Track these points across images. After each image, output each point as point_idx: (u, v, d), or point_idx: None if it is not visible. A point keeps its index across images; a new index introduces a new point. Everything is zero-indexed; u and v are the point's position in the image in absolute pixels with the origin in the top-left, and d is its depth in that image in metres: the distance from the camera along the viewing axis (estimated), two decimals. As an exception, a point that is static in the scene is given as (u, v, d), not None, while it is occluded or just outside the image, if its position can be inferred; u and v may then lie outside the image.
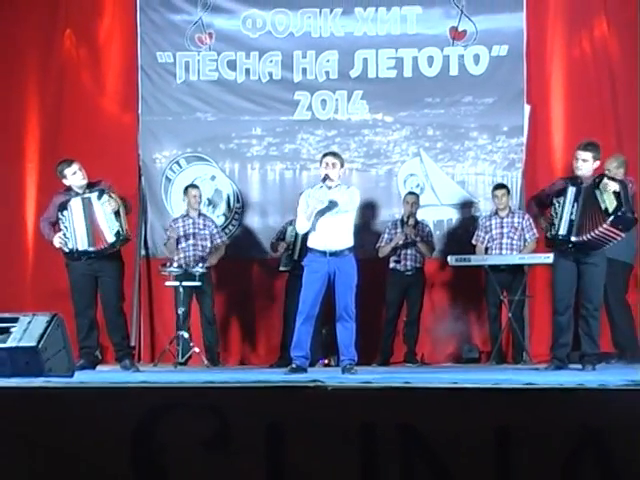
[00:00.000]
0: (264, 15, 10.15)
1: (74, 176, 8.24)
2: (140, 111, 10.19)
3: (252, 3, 10.16)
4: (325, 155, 7.91)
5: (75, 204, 8.17)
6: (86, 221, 8.13)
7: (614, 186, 7.64)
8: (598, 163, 7.89)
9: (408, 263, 9.55)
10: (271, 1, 10.14)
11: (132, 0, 10.18)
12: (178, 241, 9.61)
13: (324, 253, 7.65)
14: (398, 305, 9.61)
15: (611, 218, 7.61)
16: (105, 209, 8.11)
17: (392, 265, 9.58)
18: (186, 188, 9.79)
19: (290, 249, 9.25)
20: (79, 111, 10.14)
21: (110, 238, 8.12)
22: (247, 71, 10.18)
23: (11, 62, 10.10)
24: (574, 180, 7.88)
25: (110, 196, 8.15)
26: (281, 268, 9.45)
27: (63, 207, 8.21)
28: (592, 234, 7.68)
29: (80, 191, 8.24)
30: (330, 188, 7.73)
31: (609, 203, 7.61)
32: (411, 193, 9.73)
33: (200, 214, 9.74)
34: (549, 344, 8.37)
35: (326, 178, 7.68)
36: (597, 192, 7.69)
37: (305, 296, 7.69)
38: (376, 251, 9.62)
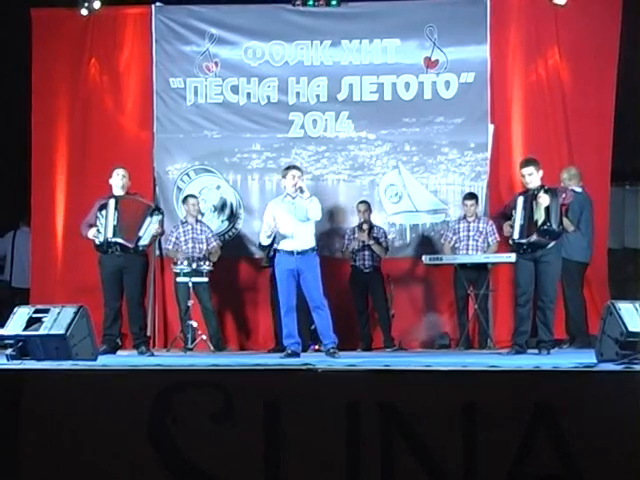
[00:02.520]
0: (263, 46, 10.14)
1: (115, 177, 8.41)
2: (155, 129, 10.15)
3: (252, 36, 10.13)
4: (290, 168, 8.02)
5: (112, 203, 8.26)
6: (119, 217, 8.18)
7: (545, 201, 7.78)
8: (542, 172, 7.97)
9: (366, 262, 9.52)
10: (269, 34, 10.11)
11: (148, 33, 10.15)
12: (178, 244, 9.58)
13: (292, 253, 7.71)
14: (363, 298, 9.59)
15: (539, 231, 7.79)
16: (151, 225, 8.28)
17: (353, 264, 9.58)
18: (185, 198, 9.76)
19: (268, 248, 9.16)
20: (103, 129, 10.11)
21: (132, 244, 8.21)
22: (248, 95, 10.16)
23: (45, 88, 10.05)
24: (525, 192, 7.96)
25: (161, 223, 8.41)
26: (263, 264, 9.41)
27: (102, 207, 8.29)
28: (530, 239, 7.80)
29: (119, 193, 8.35)
30: (294, 198, 7.78)
31: (539, 216, 7.80)
32: (363, 202, 9.67)
33: (197, 221, 9.69)
34: (510, 331, 8.41)
35: (302, 190, 7.74)
36: (534, 204, 7.79)
37: (281, 292, 7.78)
38: (342, 253, 9.65)
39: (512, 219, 7.99)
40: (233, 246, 10.00)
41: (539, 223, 7.77)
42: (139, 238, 8.24)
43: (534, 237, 7.80)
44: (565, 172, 9.11)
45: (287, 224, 7.79)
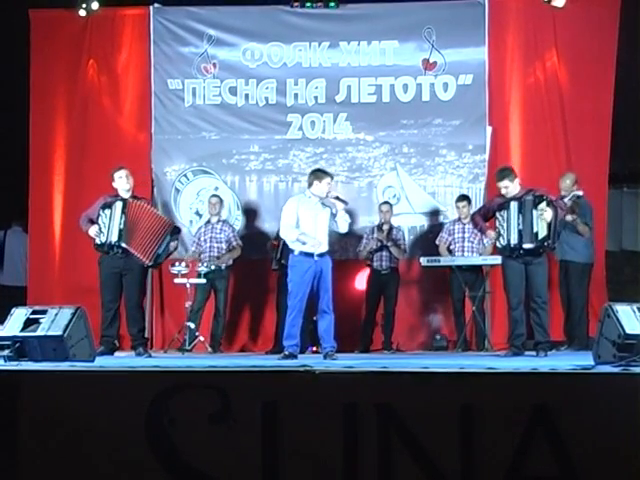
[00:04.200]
0: (261, 48, 10.15)
1: (120, 180, 8.35)
2: (153, 130, 10.16)
3: (251, 37, 10.15)
4: (327, 175, 7.85)
5: (119, 205, 8.23)
6: (124, 220, 8.17)
7: (549, 216, 7.73)
8: (518, 179, 7.97)
9: (384, 263, 9.54)
10: (267, 35, 10.13)
11: (147, 34, 10.16)
12: (199, 244, 9.63)
13: (312, 255, 7.66)
14: (376, 300, 9.60)
15: (537, 244, 7.79)
16: (170, 244, 8.33)
17: (370, 265, 9.58)
18: (209, 197, 9.84)
19: (276, 250, 9.21)
20: (100, 130, 10.12)
21: (152, 261, 8.26)
22: (246, 96, 10.17)
23: (43, 88, 10.07)
24: (513, 197, 7.93)
25: (178, 241, 8.53)
26: (273, 267, 9.44)
27: (107, 206, 8.25)
28: (530, 246, 7.79)
29: (125, 195, 8.31)
30: (321, 200, 7.73)
31: (540, 230, 7.79)
32: (386, 203, 9.72)
33: (219, 220, 9.74)
34: (507, 334, 8.40)
35: (344, 202, 7.71)
36: (534, 212, 7.76)
37: (295, 293, 7.68)
38: (357, 253, 9.65)
39: (499, 224, 7.93)
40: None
41: (540, 237, 7.76)
42: (158, 255, 8.27)
43: (532, 245, 7.79)
44: (567, 178, 9.10)
45: (311, 226, 7.70)
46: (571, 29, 9.71)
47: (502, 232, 7.90)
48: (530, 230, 7.78)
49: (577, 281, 9.05)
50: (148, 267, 8.34)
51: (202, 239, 9.63)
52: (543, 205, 7.77)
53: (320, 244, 7.65)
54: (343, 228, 7.82)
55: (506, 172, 8.01)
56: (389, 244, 9.48)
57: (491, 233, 8.07)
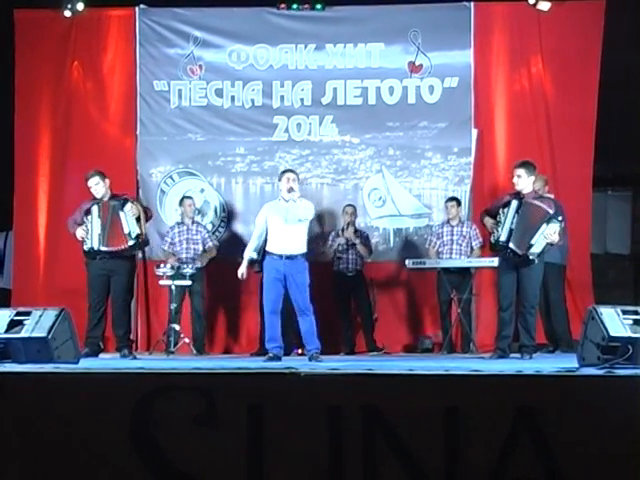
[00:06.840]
0: (247, 50, 10.15)
1: (97, 186, 8.37)
2: (139, 132, 10.14)
3: (237, 39, 10.14)
4: (285, 172, 8.00)
5: (95, 209, 8.25)
6: (102, 224, 8.18)
7: (552, 239, 7.76)
8: (533, 178, 7.99)
9: (349, 266, 9.53)
10: (254, 37, 10.12)
11: (132, 36, 10.14)
12: (173, 245, 9.61)
13: (280, 256, 7.69)
14: (346, 303, 9.58)
15: (529, 257, 7.79)
16: (127, 216, 8.25)
17: (336, 268, 9.57)
18: (182, 199, 9.81)
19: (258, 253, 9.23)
20: (85, 132, 10.08)
21: (130, 241, 8.26)
22: (232, 98, 10.16)
23: (28, 89, 10.02)
24: (517, 195, 7.96)
25: (132, 203, 8.36)
26: (256, 269, 9.43)
27: (88, 212, 8.28)
28: (518, 250, 7.80)
29: (104, 199, 8.30)
30: (287, 201, 7.78)
31: (537, 246, 7.77)
32: (349, 205, 9.70)
33: (194, 221, 9.72)
34: (493, 336, 8.43)
35: (291, 190, 7.72)
36: (544, 226, 7.75)
37: (267, 295, 7.76)
38: (322, 255, 9.62)
39: (499, 219, 7.96)
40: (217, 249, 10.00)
41: (531, 249, 7.76)
42: (128, 234, 8.24)
43: (516, 248, 7.81)
44: (541, 180, 9.11)
45: (277, 226, 7.76)
46: (556, 33, 9.76)
47: (498, 228, 7.92)
48: (529, 238, 7.75)
49: (555, 283, 9.06)
50: (137, 247, 8.28)
51: (177, 240, 9.59)
52: (556, 227, 7.78)
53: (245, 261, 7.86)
54: (303, 215, 7.77)
55: (527, 164, 8.02)
56: (357, 241, 9.47)
57: (489, 221, 8.07)
